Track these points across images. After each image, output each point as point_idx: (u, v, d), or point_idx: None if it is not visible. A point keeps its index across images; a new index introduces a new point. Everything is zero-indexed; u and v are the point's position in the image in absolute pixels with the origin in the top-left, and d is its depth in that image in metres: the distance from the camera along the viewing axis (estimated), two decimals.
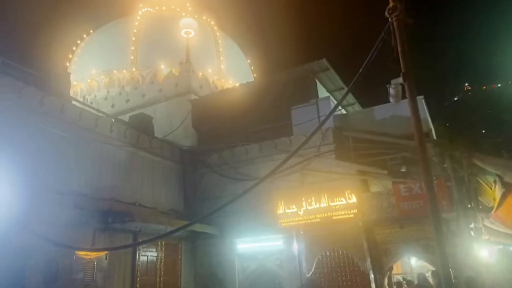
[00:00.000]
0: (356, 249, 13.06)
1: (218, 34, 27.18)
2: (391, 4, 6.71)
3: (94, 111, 14.58)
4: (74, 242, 10.51)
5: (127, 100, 21.84)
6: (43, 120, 11.26)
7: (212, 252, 15.67)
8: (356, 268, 13.08)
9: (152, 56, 23.63)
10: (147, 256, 13.84)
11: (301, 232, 14.00)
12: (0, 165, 9.42)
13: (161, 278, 14.16)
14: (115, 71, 23.89)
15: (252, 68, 28.72)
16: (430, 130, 15.05)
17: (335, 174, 13.85)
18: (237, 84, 22.18)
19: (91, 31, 27.61)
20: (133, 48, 24.16)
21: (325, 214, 13.26)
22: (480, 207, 11.61)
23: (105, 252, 11.90)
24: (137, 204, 13.77)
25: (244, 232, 15.00)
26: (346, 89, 17.40)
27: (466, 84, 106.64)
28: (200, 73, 22.02)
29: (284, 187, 14.14)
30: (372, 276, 12.57)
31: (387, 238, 12.89)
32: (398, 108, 13.07)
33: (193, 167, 16.93)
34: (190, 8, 29.90)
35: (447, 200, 11.44)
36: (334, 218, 13.15)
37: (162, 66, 23.16)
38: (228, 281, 15.03)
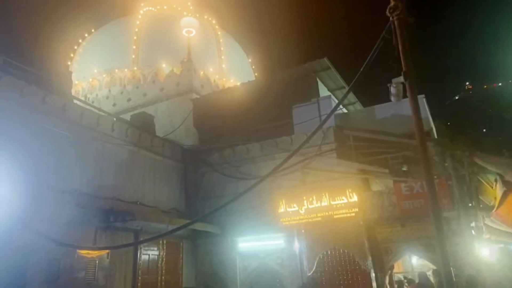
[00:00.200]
0: (357, 248, 13.07)
1: (219, 33, 27.20)
2: (392, 3, 6.72)
3: (96, 110, 14.62)
4: (76, 241, 10.54)
5: (129, 99, 21.89)
6: (45, 119, 11.28)
7: (214, 251, 15.70)
8: (357, 267, 13.08)
9: (153, 55, 23.66)
10: (149, 255, 13.86)
11: (302, 231, 14.01)
12: (2, 164, 9.44)
13: (163, 277, 14.18)
14: (116, 70, 23.93)
15: (253, 67, 28.75)
16: (431, 129, 15.07)
17: (336, 173, 13.86)
18: (238, 83, 22.18)
19: (93, 30, 27.67)
20: (134, 47, 24.21)
21: (326, 213, 13.28)
22: (481, 206, 11.62)
23: (107, 251, 11.92)
24: (138, 203, 13.79)
25: (246, 231, 15.01)
26: (347, 88, 17.40)
27: (467, 83, 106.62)
28: (202, 72, 22.03)
29: (285, 186, 14.15)
30: (373, 274, 12.58)
31: (388, 236, 12.89)
32: (399, 107, 13.07)
33: (195, 166, 16.95)
34: (191, 7, 29.92)
35: (448, 199, 11.45)
36: (335, 217, 13.16)
37: (164, 65, 23.19)
38: (230, 280, 15.05)
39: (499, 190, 9.18)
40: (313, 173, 14.27)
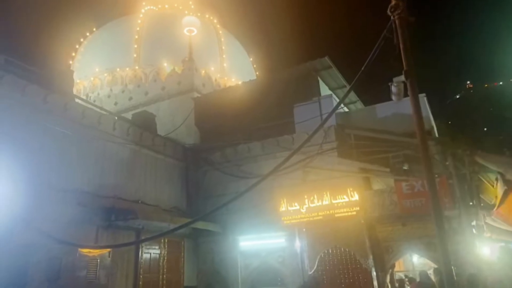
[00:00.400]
0: (358, 247, 13.08)
1: (220, 32, 27.18)
2: (393, 2, 6.72)
3: (97, 109, 14.63)
4: (77, 240, 10.56)
5: (130, 98, 21.90)
6: (46, 118, 11.30)
7: (215, 250, 15.72)
8: (358, 266, 13.09)
9: (155, 54, 23.66)
10: (150, 253, 13.88)
11: (304, 229, 14.02)
12: (3, 163, 9.46)
13: (164, 276, 14.19)
14: (118, 69, 23.94)
15: (255, 66, 28.74)
16: (432, 128, 15.06)
17: (337, 172, 13.86)
18: (239, 82, 22.17)
19: (94, 29, 27.67)
20: (136, 46, 24.21)
21: (328, 212, 13.29)
22: (482, 204, 11.63)
23: (108, 249, 11.91)
24: (140, 201, 13.81)
25: (247, 230, 15.03)
26: (348, 87, 17.39)
27: (468, 82, 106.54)
28: (203, 71, 22.03)
29: (286, 185, 14.16)
30: (374, 273, 12.59)
31: (389, 235, 12.90)
32: (400, 106, 13.05)
33: (196, 165, 16.96)
34: (192, 6, 29.88)
35: (449, 198, 11.45)
36: (336, 215, 13.18)
37: (165, 64, 23.20)
38: (231, 278, 15.07)
39: (500, 189, 9.18)
40: (314, 172, 14.28)
